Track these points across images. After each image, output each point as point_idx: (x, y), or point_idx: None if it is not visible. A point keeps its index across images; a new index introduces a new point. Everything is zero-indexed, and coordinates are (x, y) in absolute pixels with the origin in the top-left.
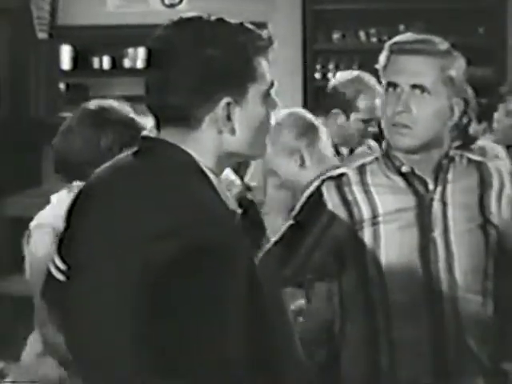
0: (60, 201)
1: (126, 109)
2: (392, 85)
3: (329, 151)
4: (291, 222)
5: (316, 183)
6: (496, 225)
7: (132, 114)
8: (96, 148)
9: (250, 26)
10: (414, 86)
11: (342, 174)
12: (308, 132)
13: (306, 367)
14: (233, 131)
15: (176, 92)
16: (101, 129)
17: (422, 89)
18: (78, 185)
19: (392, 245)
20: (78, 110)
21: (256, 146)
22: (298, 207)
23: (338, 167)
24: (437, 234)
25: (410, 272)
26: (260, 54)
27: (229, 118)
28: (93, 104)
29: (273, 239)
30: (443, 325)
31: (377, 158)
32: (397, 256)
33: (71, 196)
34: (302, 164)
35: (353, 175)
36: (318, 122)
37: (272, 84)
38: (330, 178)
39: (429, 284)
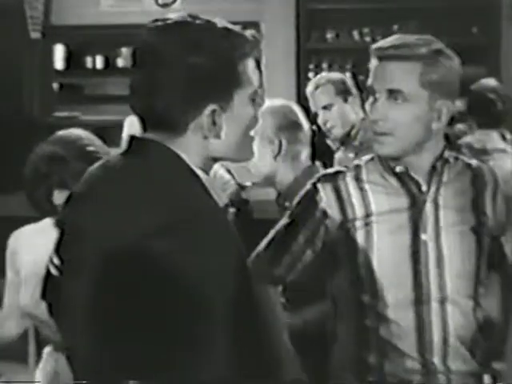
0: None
1: (91, 139)
2: (371, 91)
3: (305, 155)
4: (286, 221)
5: (311, 181)
6: (490, 227)
7: (93, 147)
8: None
9: (236, 29)
10: (391, 93)
11: (338, 172)
12: (290, 128)
13: (296, 365)
14: (218, 136)
15: (160, 98)
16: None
17: (399, 95)
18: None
19: (384, 245)
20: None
21: (242, 150)
22: (293, 206)
23: (311, 170)
24: (428, 236)
25: (401, 273)
26: (246, 56)
27: (214, 123)
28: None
29: (265, 240)
30: (431, 325)
31: (373, 158)
32: (388, 257)
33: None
34: (277, 155)
35: (349, 173)
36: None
37: (260, 85)
38: (326, 175)
39: (418, 285)
